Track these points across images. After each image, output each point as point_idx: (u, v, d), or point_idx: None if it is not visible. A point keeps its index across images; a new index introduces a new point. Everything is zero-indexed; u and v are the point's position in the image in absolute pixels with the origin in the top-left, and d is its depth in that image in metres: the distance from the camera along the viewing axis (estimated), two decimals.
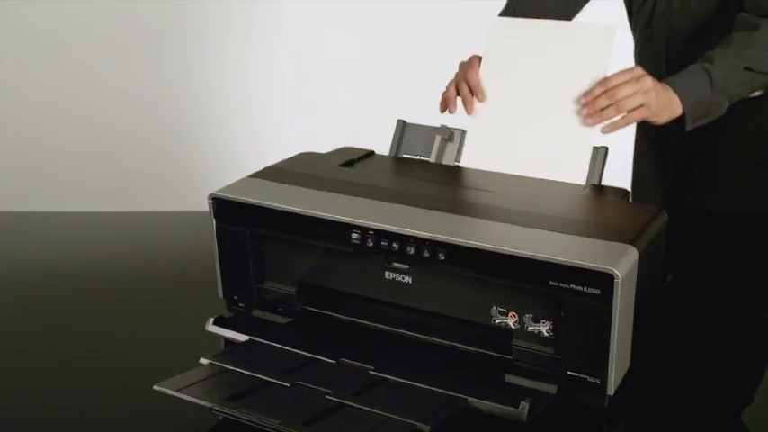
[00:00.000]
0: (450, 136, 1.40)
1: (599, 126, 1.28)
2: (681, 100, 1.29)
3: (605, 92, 1.26)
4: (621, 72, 1.27)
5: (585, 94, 1.28)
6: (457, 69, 1.44)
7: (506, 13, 1.61)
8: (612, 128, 1.27)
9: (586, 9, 1.67)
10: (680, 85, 1.30)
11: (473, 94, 1.37)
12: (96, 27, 3.37)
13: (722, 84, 1.31)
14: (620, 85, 1.25)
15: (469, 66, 1.39)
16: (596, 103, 1.26)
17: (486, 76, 1.39)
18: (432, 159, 1.40)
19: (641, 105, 1.25)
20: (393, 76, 3.33)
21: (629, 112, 1.26)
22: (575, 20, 1.66)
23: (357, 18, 3.36)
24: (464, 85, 1.38)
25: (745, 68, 1.32)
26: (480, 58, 1.41)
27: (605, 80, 1.27)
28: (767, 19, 1.35)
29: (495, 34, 1.40)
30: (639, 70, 1.27)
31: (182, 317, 1.34)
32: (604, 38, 1.30)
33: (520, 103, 1.35)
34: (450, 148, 1.40)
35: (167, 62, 3.45)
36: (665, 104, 1.28)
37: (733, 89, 1.33)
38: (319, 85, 3.44)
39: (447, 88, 1.41)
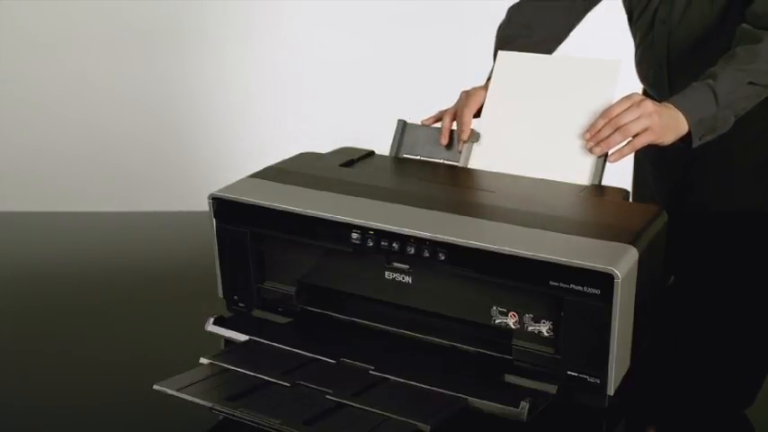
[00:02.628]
0: (478, 139, 1.39)
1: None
2: (686, 118, 1.28)
3: (608, 122, 1.27)
4: (621, 100, 1.28)
5: (590, 128, 1.29)
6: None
7: (508, 24, 1.61)
8: (620, 155, 1.28)
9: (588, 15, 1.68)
10: (684, 104, 1.29)
11: (460, 129, 1.39)
12: (97, 28, 3.37)
13: (727, 99, 1.30)
14: (622, 112, 1.26)
15: (466, 104, 1.40)
16: (601, 133, 1.27)
17: (490, 105, 1.39)
18: (460, 164, 1.39)
19: (646, 129, 1.25)
20: (393, 76, 3.33)
21: (635, 136, 1.26)
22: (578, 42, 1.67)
23: (357, 18, 3.36)
24: (449, 118, 1.40)
25: (750, 83, 1.31)
26: (481, 93, 1.42)
27: (607, 111, 1.28)
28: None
29: (501, 67, 1.41)
30: (638, 96, 1.28)
31: (182, 317, 1.34)
32: (609, 72, 1.31)
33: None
34: (478, 152, 1.39)
35: (168, 62, 3.45)
36: (669, 125, 1.27)
37: (738, 104, 1.32)
38: (319, 85, 3.44)
39: (444, 117, 1.42)
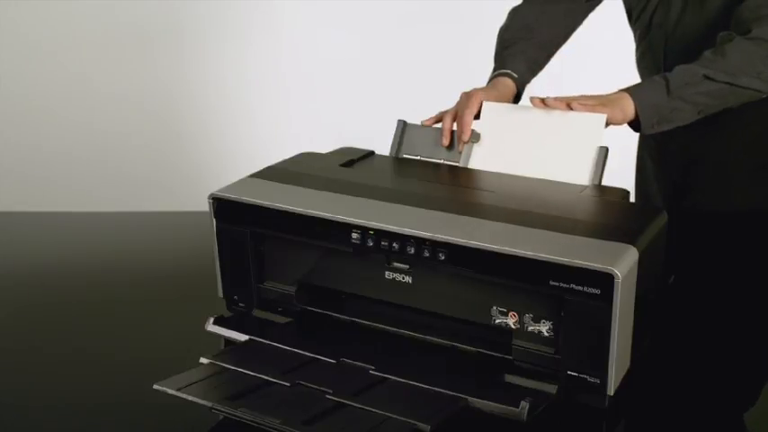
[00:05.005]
0: (478, 139, 1.39)
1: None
2: (635, 102, 1.32)
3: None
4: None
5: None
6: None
7: (508, 26, 1.61)
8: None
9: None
10: (635, 90, 1.34)
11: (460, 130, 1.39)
12: (97, 28, 3.37)
13: (681, 91, 1.33)
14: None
15: (466, 105, 1.40)
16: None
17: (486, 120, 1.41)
18: (460, 164, 1.39)
19: (595, 105, 1.32)
20: (393, 76, 3.33)
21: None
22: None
23: (357, 18, 3.36)
24: (449, 119, 1.40)
25: (705, 77, 1.33)
26: (480, 94, 1.42)
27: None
28: (738, 38, 1.36)
29: (487, 116, 1.40)
30: None
31: (182, 317, 1.34)
32: (595, 125, 1.31)
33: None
34: (479, 153, 1.39)
35: (168, 63, 3.45)
36: (615, 103, 1.32)
37: (698, 98, 1.34)
38: (319, 85, 3.44)
39: (445, 118, 1.42)
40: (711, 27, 1.46)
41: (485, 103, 1.41)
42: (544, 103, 1.34)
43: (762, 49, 1.34)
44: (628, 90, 1.34)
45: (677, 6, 1.51)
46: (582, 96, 1.34)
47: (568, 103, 1.32)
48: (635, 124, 1.35)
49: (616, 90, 1.35)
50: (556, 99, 1.33)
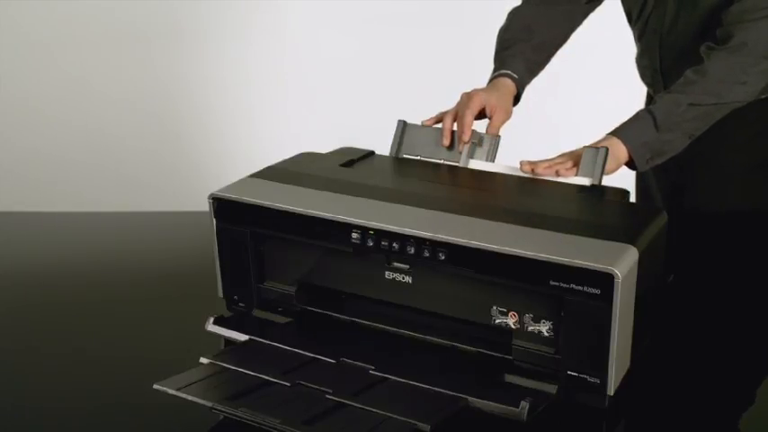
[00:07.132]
0: (480, 140, 1.40)
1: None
2: (625, 145, 1.32)
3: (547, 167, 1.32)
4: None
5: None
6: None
7: (508, 27, 1.61)
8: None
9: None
10: (623, 133, 1.33)
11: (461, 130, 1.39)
12: (97, 29, 3.37)
13: (668, 123, 1.33)
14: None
15: (467, 105, 1.40)
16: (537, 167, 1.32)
17: None
18: (460, 164, 1.39)
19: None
20: (393, 76, 3.33)
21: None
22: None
23: (357, 18, 3.36)
24: (449, 120, 1.40)
25: (690, 104, 1.34)
26: (480, 95, 1.42)
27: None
28: (718, 50, 1.36)
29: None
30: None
31: (182, 317, 1.34)
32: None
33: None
34: (480, 153, 1.39)
35: (167, 63, 3.45)
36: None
37: (687, 125, 1.35)
38: (319, 85, 3.44)
39: (445, 118, 1.42)
40: (704, 32, 1.46)
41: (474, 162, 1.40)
42: (533, 170, 1.32)
43: (743, 56, 1.34)
44: (615, 133, 1.34)
45: (671, 11, 1.51)
46: (570, 157, 1.32)
47: (557, 171, 1.30)
48: (629, 163, 1.35)
49: (604, 136, 1.34)
50: (546, 167, 1.31)
